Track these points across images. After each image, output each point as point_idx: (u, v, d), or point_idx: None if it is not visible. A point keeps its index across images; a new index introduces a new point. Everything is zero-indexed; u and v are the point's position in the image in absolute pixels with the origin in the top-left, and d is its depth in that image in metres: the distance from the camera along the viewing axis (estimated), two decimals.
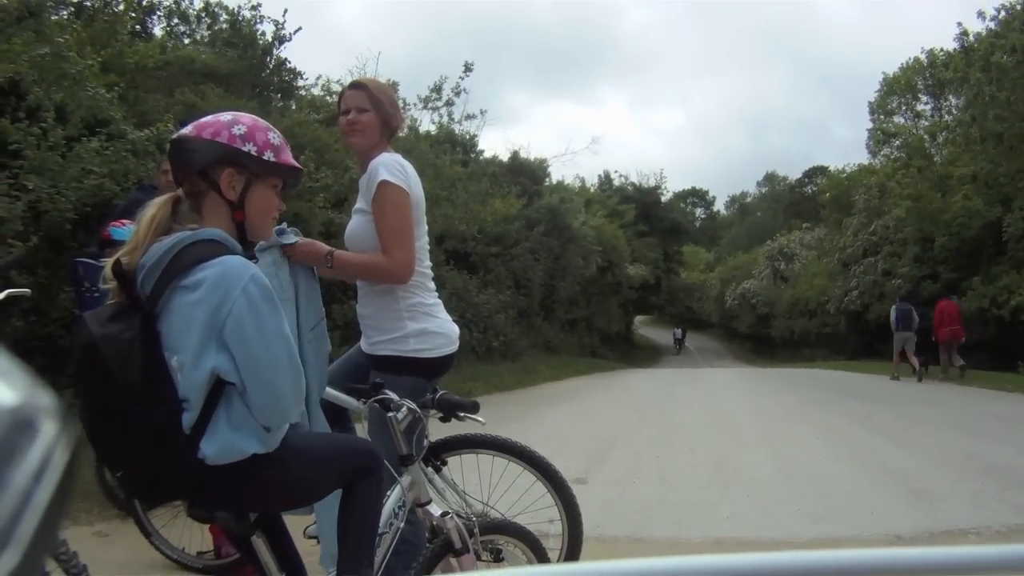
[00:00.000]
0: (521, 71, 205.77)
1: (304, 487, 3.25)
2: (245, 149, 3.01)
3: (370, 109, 4.36)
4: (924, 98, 45.49)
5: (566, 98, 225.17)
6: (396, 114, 4.49)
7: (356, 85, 4.53)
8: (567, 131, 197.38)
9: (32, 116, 10.07)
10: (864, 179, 43.85)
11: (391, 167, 4.20)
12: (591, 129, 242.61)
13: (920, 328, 24.30)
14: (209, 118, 3.10)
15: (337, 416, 4.48)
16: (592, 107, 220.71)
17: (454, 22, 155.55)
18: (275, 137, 3.12)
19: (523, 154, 39.54)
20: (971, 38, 31.14)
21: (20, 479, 0.88)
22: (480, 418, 4.03)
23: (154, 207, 3.02)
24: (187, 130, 3.07)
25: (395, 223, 4.19)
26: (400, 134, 4.84)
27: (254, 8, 21.46)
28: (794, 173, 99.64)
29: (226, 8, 21.91)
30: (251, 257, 3.03)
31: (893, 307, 25.64)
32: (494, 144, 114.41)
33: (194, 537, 5.60)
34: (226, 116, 3.10)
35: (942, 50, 41.15)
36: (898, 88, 46.34)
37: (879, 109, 48.90)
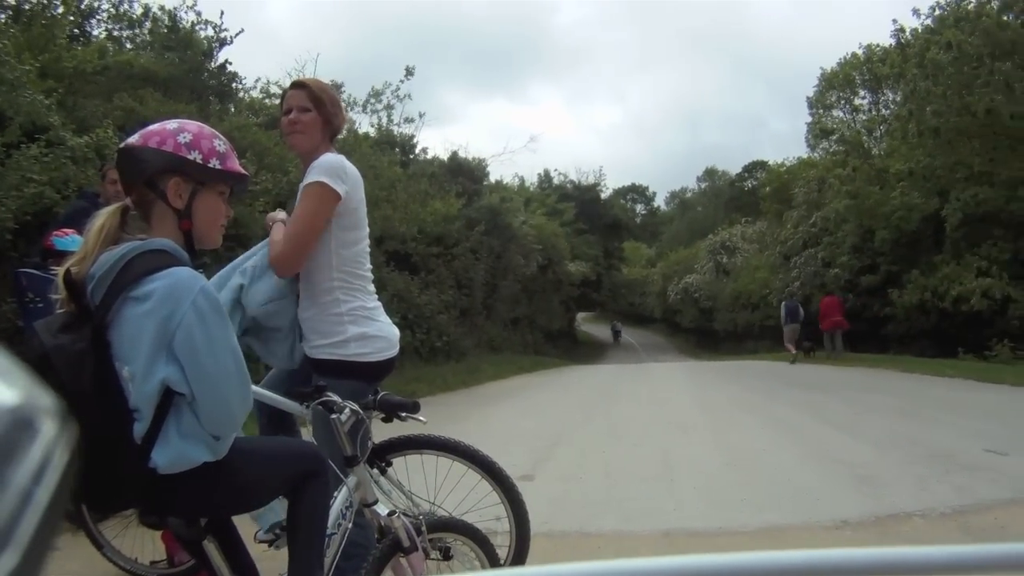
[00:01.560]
0: (454, 69, 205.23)
1: (253, 491, 3.28)
2: (191, 157, 3.01)
3: (312, 108, 4.37)
4: (862, 92, 45.79)
5: (500, 96, 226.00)
6: (338, 113, 4.49)
7: (297, 84, 4.52)
8: (503, 129, 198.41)
9: None
10: (804, 172, 44.25)
11: (330, 169, 4.20)
12: (527, 127, 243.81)
13: (805, 320, 30.88)
14: (155, 127, 3.10)
15: (281, 420, 4.51)
16: (527, 105, 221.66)
17: (385, 20, 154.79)
18: (221, 144, 3.13)
19: (462, 154, 39.59)
20: (907, 34, 31.55)
21: (20, 479, 0.90)
22: (421, 418, 4.01)
23: (103, 216, 3.02)
24: (133, 139, 3.07)
25: (298, 221, 4.21)
26: (340, 135, 4.82)
27: (192, 8, 21.33)
28: (733, 168, 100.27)
29: (168, 12, 21.72)
30: (199, 267, 3.03)
31: (783, 304, 32.52)
32: (432, 143, 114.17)
33: (146, 547, 5.60)
34: (172, 124, 3.10)
35: (879, 46, 41.58)
36: (836, 83, 46.63)
37: (818, 103, 49.18)
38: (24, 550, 0.85)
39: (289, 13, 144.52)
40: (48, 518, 0.92)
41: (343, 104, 4.62)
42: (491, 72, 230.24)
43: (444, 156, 38.33)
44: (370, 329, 4.30)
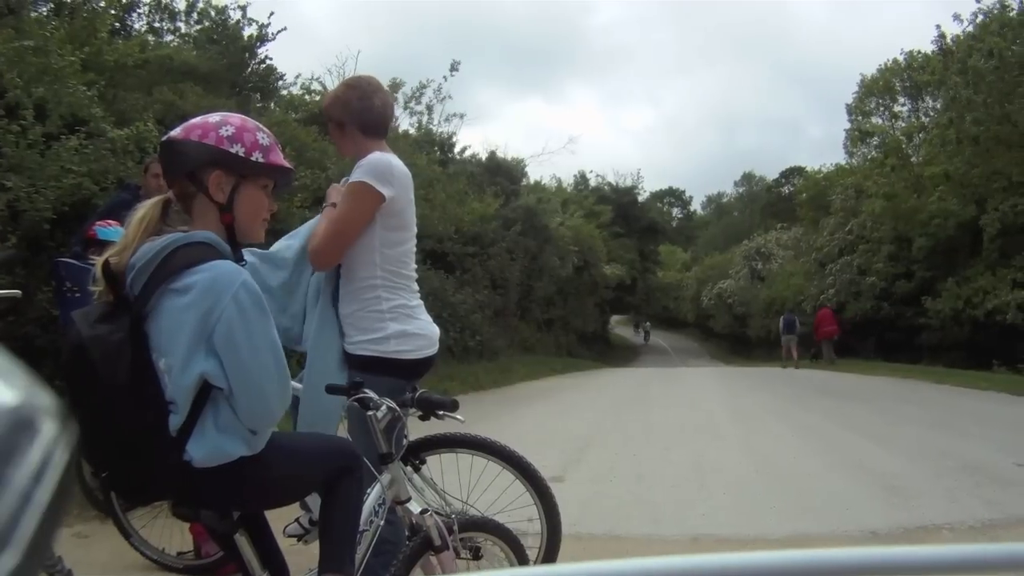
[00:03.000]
0: (490, 67, 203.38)
1: (288, 486, 3.29)
2: (232, 151, 2.98)
3: (331, 122, 4.42)
4: (902, 99, 45.56)
5: (535, 96, 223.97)
6: (364, 107, 4.34)
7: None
8: (537, 129, 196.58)
9: (11, 113, 9.96)
10: (841, 179, 44.08)
11: (375, 170, 4.15)
12: (561, 127, 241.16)
13: (802, 332, 35.37)
14: (197, 119, 3.07)
15: None
16: (562, 105, 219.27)
17: (422, 19, 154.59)
18: (264, 137, 3.09)
19: (500, 154, 39.59)
20: (949, 41, 31.33)
21: (20, 479, 0.89)
22: (459, 416, 4.01)
23: (145, 207, 3.02)
24: (176, 132, 3.05)
25: (337, 219, 4.17)
26: (391, 122, 4.71)
27: (242, 7, 21.32)
28: (768, 173, 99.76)
29: (214, 7, 21.74)
30: (240, 260, 3.03)
31: (781, 317, 37.06)
32: (468, 141, 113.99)
33: (174, 537, 5.62)
34: (215, 117, 3.08)
35: (919, 52, 41.33)
36: (876, 89, 46.39)
37: (856, 110, 48.92)
38: (24, 550, 0.84)
39: (328, 10, 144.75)
40: (48, 518, 0.91)
41: (366, 89, 4.49)
42: (527, 71, 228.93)
43: (482, 155, 38.37)
44: (411, 327, 4.27)
